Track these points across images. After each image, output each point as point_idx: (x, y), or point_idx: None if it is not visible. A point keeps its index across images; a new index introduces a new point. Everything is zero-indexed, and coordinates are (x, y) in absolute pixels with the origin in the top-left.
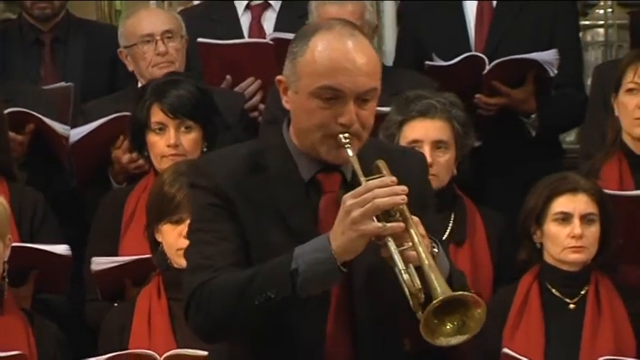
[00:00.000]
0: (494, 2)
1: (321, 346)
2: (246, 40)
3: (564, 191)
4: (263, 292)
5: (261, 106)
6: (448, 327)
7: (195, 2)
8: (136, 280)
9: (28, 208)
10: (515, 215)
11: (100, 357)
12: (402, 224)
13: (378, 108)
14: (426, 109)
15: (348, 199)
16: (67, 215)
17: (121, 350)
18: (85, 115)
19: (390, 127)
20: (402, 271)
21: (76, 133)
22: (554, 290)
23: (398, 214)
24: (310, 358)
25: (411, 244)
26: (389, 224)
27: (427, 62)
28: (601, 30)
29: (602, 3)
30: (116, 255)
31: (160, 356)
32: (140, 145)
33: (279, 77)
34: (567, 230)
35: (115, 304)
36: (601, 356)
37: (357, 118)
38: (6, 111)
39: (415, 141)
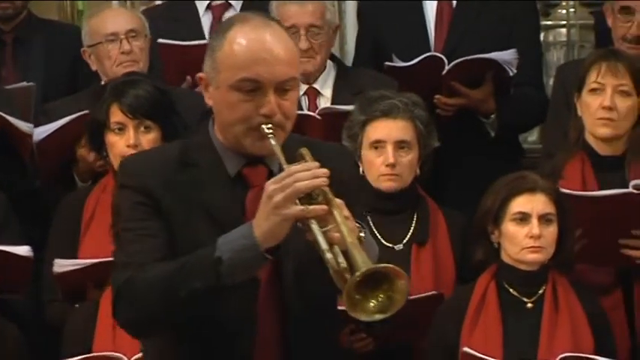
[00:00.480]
0: (454, 2)
1: (251, 337)
2: (207, 40)
3: (522, 191)
4: (188, 282)
5: None
6: (373, 303)
7: (158, 2)
8: (98, 282)
9: None
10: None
11: None
12: (324, 206)
13: (341, 106)
14: (389, 109)
15: (270, 185)
16: (29, 215)
17: (85, 352)
18: (48, 115)
19: (352, 127)
20: (325, 251)
21: (41, 132)
22: (511, 290)
23: (320, 197)
24: (240, 347)
25: (334, 225)
26: (311, 207)
27: (386, 63)
28: (563, 30)
29: (564, 3)
30: (76, 256)
31: (128, 358)
32: (99, 146)
33: (199, 74)
34: (525, 230)
35: (77, 305)
36: (559, 355)
37: (279, 108)
38: None
39: (378, 141)
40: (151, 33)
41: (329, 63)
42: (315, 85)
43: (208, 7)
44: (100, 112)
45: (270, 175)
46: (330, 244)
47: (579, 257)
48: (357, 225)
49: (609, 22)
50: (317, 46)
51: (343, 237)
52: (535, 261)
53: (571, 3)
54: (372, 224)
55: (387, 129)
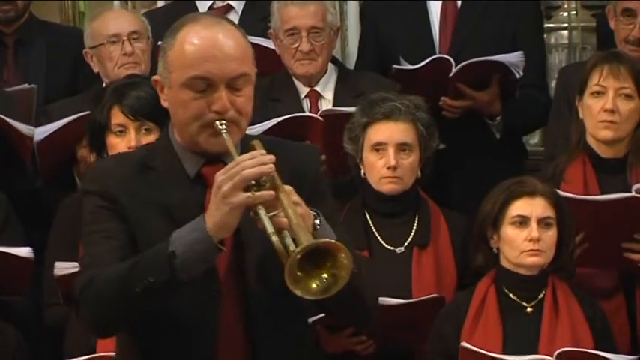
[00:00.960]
0: (459, 2)
1: (213, 330)
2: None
3: (522, 195)
4: (143, 277)
5: None
6: (316, 284)
7: (159, 4)
8: None
9: None
10: None
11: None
12: (271, 192)
13: (342, 108)
14: (391, 112)
15: (219, 176)
16: (30, 216)
17: (88, 352)
18: (49, 117)
19: (354, 129)
20: (271, 234)
21: (42, 132)
22: (511, 294)
23: (268, 184)
24: (203, 341)
25: (282, 210)
26: (258, 193)
27: (394, 66)
28: (565, 32)
29: (565, 5)
30: (76, 258)
31: None
32: (100, 148)
33: (154, 77)
34: (524, 234)
35: None
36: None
37: (232, 104)
38: None
39: (379, 144)
40: (152, 35)
41: (330, 65)
42: (317, 88)
43: (210, 8)
44: (101, 114)
45: None
46: (279, 229)
47: (581, 261)
48: (313, 212)
49: (611, 24)
50: (318, 48)
51: (289, 219)
52: (534, 264)
53: (572, 5)
54: (373, 227)
55: (388, 131)
